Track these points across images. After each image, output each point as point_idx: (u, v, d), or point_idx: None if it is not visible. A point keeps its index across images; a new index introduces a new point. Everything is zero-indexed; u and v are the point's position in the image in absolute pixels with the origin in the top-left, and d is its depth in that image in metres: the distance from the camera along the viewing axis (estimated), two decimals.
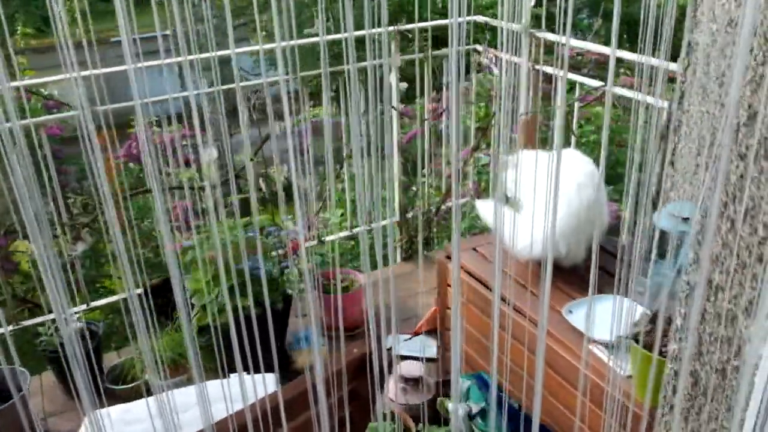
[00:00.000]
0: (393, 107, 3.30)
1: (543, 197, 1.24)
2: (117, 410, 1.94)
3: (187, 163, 4.82)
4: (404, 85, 3.57)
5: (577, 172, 2.34)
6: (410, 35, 3.41)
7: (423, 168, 3.48)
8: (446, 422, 2.31)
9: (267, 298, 1.26)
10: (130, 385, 2.67)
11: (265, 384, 1.89)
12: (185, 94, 0.83)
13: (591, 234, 2.33)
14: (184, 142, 4.36)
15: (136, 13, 1.06)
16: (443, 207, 3.67)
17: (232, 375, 2.17)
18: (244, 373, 2.13)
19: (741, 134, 1.25)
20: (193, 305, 2.71)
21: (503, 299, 2.22)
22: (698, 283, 1.40)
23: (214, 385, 2.07)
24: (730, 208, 1.31)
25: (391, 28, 3.17)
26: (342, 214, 4.40)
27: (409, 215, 3.60)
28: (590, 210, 2.31)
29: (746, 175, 1.26)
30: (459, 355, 1.17)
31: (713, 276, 1.37)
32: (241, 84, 3.47)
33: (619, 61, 3.14)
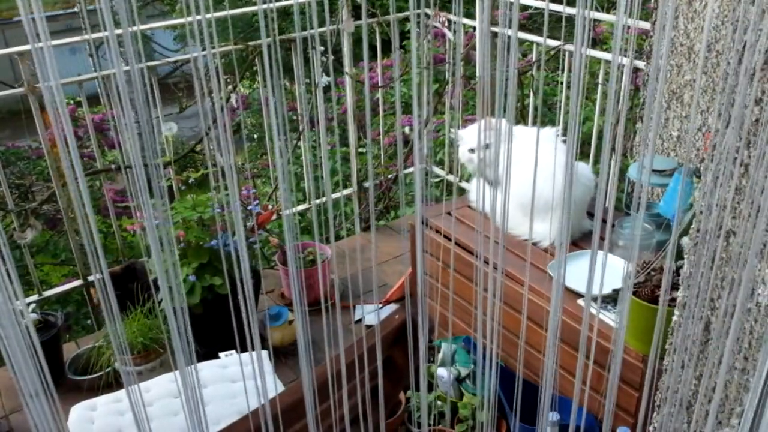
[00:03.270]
0: (347, 74, 3.24)
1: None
2: (104, 400, 1.85)
3: (113, 145, 4.62)
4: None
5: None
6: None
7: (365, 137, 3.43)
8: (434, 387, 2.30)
9: (251, 273, 1.19)
10: (97, 375, 2.55)
11: (267, 361, 1.83)
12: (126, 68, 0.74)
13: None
14: (112, 122, 4.17)
15: None
16: (393, 176, 3.64)
17: (222, 354, 2.10)
18: (233, 351, 2.06)
19: (756, 78, 1.26)
20: (158, 288, 2.60)
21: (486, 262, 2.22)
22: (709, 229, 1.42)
23: (207, 367, 2.00)
24: (743, 153, 1.33)
25: None
26: (294, 187, 4.32)
27: (366, 185, 3.56)
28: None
29: (762, 120, 1.27)
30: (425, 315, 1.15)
31: (725, 221, 1.39)
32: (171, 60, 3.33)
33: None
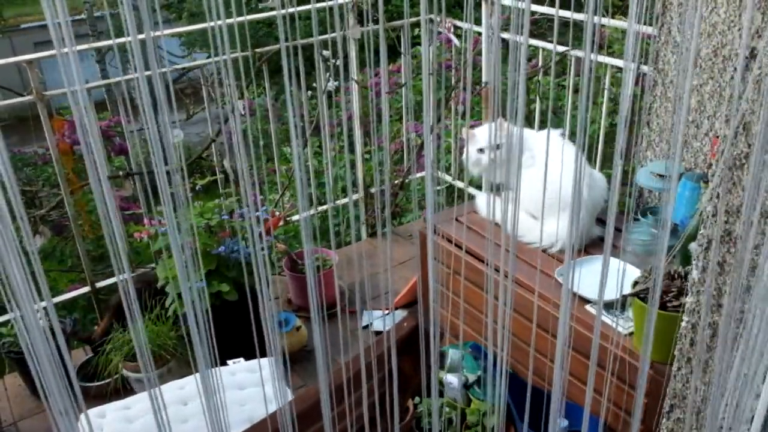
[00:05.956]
0: (354, 80, 3.25)
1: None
2: (113, 407, 1.85)
3: (121, 151, 4.63)
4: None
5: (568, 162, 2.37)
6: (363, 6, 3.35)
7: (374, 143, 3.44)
8: (442, 394, 2.30)
9: (262, 280, 1.18)
10: (105, 381, 2.56)
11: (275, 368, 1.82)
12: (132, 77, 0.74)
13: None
14: (119, 129, 4.18)
15: None
16: (400, 181, 3.64)
17: (229, 362, 2.10)
18: (241, 359, 2.07)
19: (765, 84, 1.26)
20: (166, 294, 2.61)
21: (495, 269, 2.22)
22: (718, 234, 1.42)
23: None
24: (752, 159, 1.33)
25: None
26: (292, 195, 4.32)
27: (373, 190, 3.56)
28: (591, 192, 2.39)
29: None
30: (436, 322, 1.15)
31: (734, 227, 1.39)
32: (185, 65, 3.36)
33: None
